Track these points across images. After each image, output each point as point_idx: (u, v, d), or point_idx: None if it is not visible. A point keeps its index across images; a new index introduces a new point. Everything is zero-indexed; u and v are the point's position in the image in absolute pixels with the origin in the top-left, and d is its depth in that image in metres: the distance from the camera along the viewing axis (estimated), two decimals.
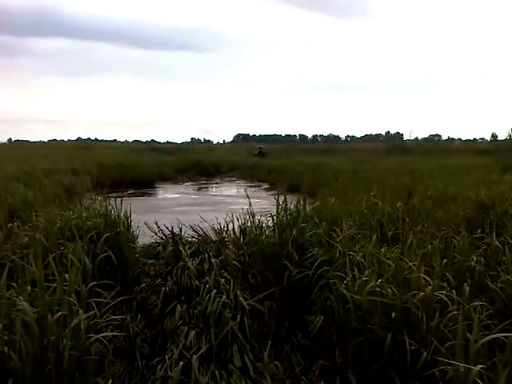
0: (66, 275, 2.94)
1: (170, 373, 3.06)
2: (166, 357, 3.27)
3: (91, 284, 3.15)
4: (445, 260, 3.75)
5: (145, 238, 5.98)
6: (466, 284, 3.36)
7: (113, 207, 5.15)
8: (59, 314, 2.28)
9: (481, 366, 2.24)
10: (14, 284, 2.65)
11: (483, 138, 45.10)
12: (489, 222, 5.06)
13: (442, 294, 3.04)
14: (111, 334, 3.13)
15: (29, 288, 2.53)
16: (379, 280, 3.04)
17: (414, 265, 3.31)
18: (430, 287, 2.99)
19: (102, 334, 2.78)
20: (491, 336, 2.53)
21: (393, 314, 2.85)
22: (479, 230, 4.77)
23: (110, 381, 2.54)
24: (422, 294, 3.01)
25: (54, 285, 2.71)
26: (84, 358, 2.37)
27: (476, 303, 3.07)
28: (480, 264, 3.77)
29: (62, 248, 3.75)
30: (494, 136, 31.80)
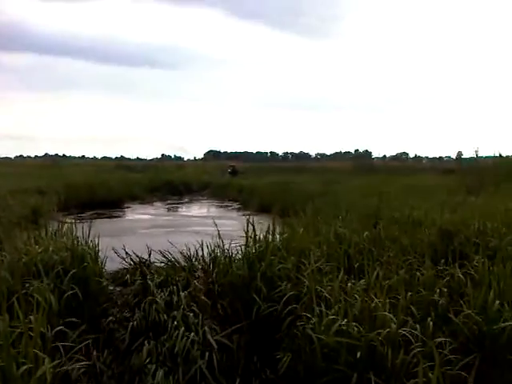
0: (31, 317, 2.90)
1: None
2: None
3: (57, 328, 3.09)
4: (409, 293, 3.83)
5: (113, 263, 5.89)
6: (429, 318, 3.45)
7: (79, 238, 5.10)
8: (25, 367, 2.24)
9: None
10: None
11: (449, 156, 46.40)
12: (452, 250, 5.21)
13: (406, 330, 3.10)
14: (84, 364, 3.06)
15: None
16: (345, 320, 3.09)
17: (379, 301, 3.38)
18: (394, 325, 3.06)
19: (66, 368, 2.74)
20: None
21: (358, 354, 2.89)
22: (443, 260, 4.89)
23: None
24: (387, 331, 3.08)
25: (19, 330, 2.66)
26: None
27: (439, 339, 3.16)
28: (443, 297, 3.86)
29: (27, 286, 3.69)
30: (459, 154, 32.77)
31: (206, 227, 6.35)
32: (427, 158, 59.40)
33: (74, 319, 3.75)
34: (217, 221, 6.00)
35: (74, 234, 5.29)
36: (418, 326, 3.32)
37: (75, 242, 4.74)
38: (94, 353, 3.96)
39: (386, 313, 3.19)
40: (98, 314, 4.60)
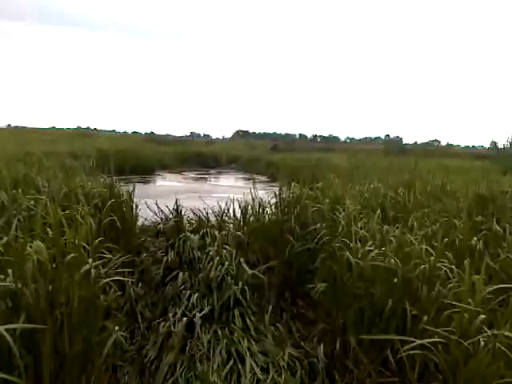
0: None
1: (173, 328, 3.11)
2: (170, 314, 3.32)
3: (98, 239, 3.17)
4: (446, 239, 3.80)
5: (143, 221, 5.98)
6: (466, 261, 3.42)
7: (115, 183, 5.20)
8: (72, 255, 2.32)
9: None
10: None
11: (482, 146, 45.15)
12: (488, 213, 5.13)
13: (442, 265, 3.09)
14: (123, 279, 3.15)
15: (40, 233, 2.57)
16: (382, 248, 3.10)
17: (416, 239, 3.36)
18: (432, 258, 3.04)
19: (110, 279, 2.83)
20: (496, 286, 2.59)
21: (395, 280, 2.90)
22: (480, 217, 4.83)
23: (117, 327, 2.57)
24: (424, 266, 3.06)
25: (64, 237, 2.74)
26: (94, 302, 2.42)
27: (476, 276, 3.13)
28: (480, 244, 3.82)
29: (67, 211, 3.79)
30: (493, 143, 31.84)
31: (235, 194, 6.42)
32: (459, 146, 57.93)
33: (112, 245, 3.81)
34: (244, 190, 6.04)
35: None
36: (453, 267, 3.30)
37: (112, 182, 4.83)
38: (129, 283, 4.07)
39: (424, 246, 3.17)
40: (132, 250, 4.70)
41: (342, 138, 78.74)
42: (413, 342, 2.43)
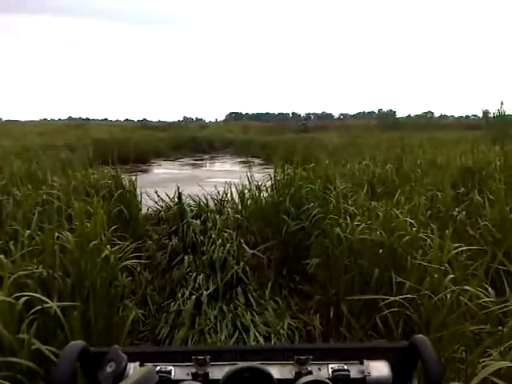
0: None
1: (183, 307, 3.42)
2: (179, 294, 3.63)
3: (113, 228, 3.46)
4: (429, 212, 4.10)
5: (144, 210, 6.24)
6: (447, 231, 3.73)
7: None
8: (94, 242, 2.62)
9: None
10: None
11: (475, 115, 45.24)
12: (472, 184, 5.42)
13: (425, 234, 3.38)
14: (134, 261, 3.44)
15: (66, 224, 2.87)
16: (369, 222, 3.40)
17: (401, 213, 3.66)
18: (414, 229, 3.34)
19: (127, 262, 3.13)
20: (463, 248, 2.89)
21: (380, 251, 3.20)
22: (462, 189, 5.12)
23: (134, 306, 2.87)
24: (407, 237, 3.36)
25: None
26: (113, 284, 2.72)
27: (456, 244, 3.43)
28: (461, 215, 4.12)
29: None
30: (485, 112, 31.98)
31: (231, 179, 6.68)
32: (453, 116, 58.01)
33: (121, 233, 4.10)
34: (241, 174, 6.29)
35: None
36: (436, 236, 3.60)
37: (116, 173, 5.09)
38: (138, 269, 4.36)
39: (408, 219, 3.46)
40: (139, 237, 4.99)
41: (336, 115, 78.67)
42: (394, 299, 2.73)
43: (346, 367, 0.81)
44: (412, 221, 3.66)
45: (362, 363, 0.82)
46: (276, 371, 0.80)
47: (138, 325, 3.56)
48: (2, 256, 2.30)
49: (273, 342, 3.04)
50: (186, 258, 4.27)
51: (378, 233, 3.32)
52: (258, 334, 3.13)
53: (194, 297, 3.50)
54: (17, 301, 1.92)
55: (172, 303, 3.60)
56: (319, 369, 0.81)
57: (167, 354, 0.83)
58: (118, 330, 2.63)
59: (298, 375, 0.79)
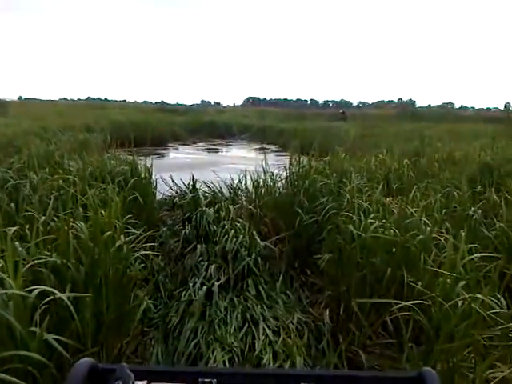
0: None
1: (194, 296, 3.45)
2: (190, 284, 3.66)
3: (127, 216, 3.49)
4: (445, 210, 4.05)
5: (159, 195, 6.27)
6: (462, 230, 3.68)
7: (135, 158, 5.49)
8: (108, 232, 2.65)
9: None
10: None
11: (496, 107, 44.54)
12: (490, 181, 5.34)
13: (439, 234, 3.35)
14: (147, 252, 3.47)
15: (81, 211, 2.90)
16: (383, 220, 3.37)
17: (415, 211, 3.62)
18: (428, 229, 3.31)
19: (141, 252, 3.16)
20: (478, 255, 2.86)
21: (393, 250, 3.18)
22: (479, 187, 5.05)
23: (147, 297, 2.91)
24: (421, 237, 3.33)
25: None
26: (126, 273, 2.75)
27: (470, 245, 3.39)
28: (477, 214, 4.06)
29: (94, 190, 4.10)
30: (507, 106, 31.47)
31: (247, 166, 6.66)
32: (473, 108, 57.11)
33: (135, 221, 4.13)
34: (257, 162, 6.27)
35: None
36: (450, 236, 3.56)
37: (132, 159, 5.12)
38: (151, 256, 4.40)
39: (422, 218, 3.43)
40: (153, 224, 5.03)
41: (355, 103, 77.88)
42: (405, 304, 2.72)
43: None
44: (426, 219, 3.63)
45: None
46: None
47: (150, 312, 3.62)
48: (17, 243, 2.33)
49: (281, 338, 3.05)
50: (198, 246, 4.29)
51: (392, 231, 3.30)
52: (267, 328, 3.15)
53: (205, 287, 3.51)
54: (30, 294, 1.95)
55: (183, 292, 3.62)
56: None
57: (174, 373, 0.83)
58: (129, 319, 2.67)
59: None
